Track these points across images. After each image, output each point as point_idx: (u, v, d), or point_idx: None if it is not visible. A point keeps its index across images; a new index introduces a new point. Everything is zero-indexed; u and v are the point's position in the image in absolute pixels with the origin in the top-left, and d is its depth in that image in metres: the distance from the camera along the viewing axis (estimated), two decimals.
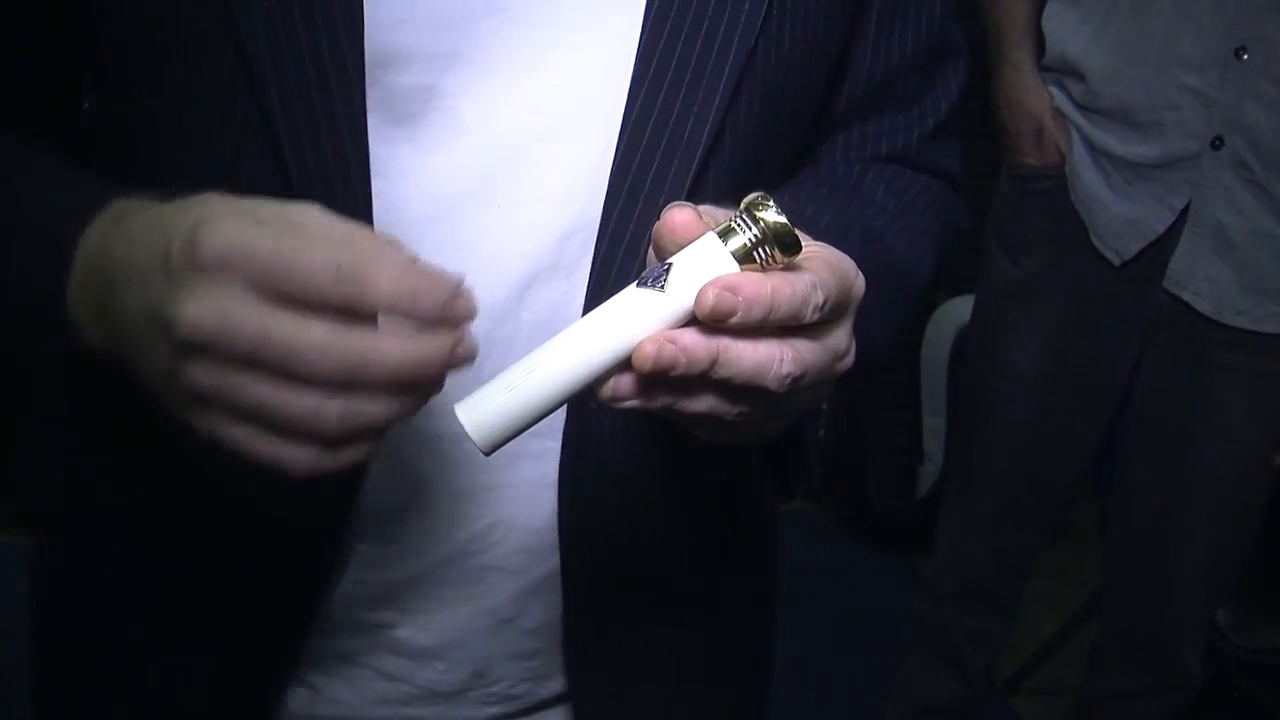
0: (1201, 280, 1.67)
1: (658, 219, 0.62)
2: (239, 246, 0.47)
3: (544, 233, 0.64)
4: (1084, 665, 2.01)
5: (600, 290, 0.64)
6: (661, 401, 0.51)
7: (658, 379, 0.50)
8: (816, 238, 0.64)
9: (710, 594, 0.81)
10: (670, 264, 0.51)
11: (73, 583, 0.77)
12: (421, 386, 0.50)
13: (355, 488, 0.66)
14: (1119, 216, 1.69)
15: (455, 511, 0.68)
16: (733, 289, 0.49)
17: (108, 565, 0.75)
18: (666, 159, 0.64)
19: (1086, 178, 1.70)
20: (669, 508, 0.74)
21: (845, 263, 0.54)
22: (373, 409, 0.48)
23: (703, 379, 0.50)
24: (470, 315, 0.50)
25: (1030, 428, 1.85)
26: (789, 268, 0.51)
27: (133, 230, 0.51)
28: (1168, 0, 1.58)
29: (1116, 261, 1.71)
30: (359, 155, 0.61)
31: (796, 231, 0.51)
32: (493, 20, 0.61)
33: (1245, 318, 1.67)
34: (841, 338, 0.54)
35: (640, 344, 0.49)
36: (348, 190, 0.61)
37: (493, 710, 0.76)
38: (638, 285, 0.51)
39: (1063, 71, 1.71)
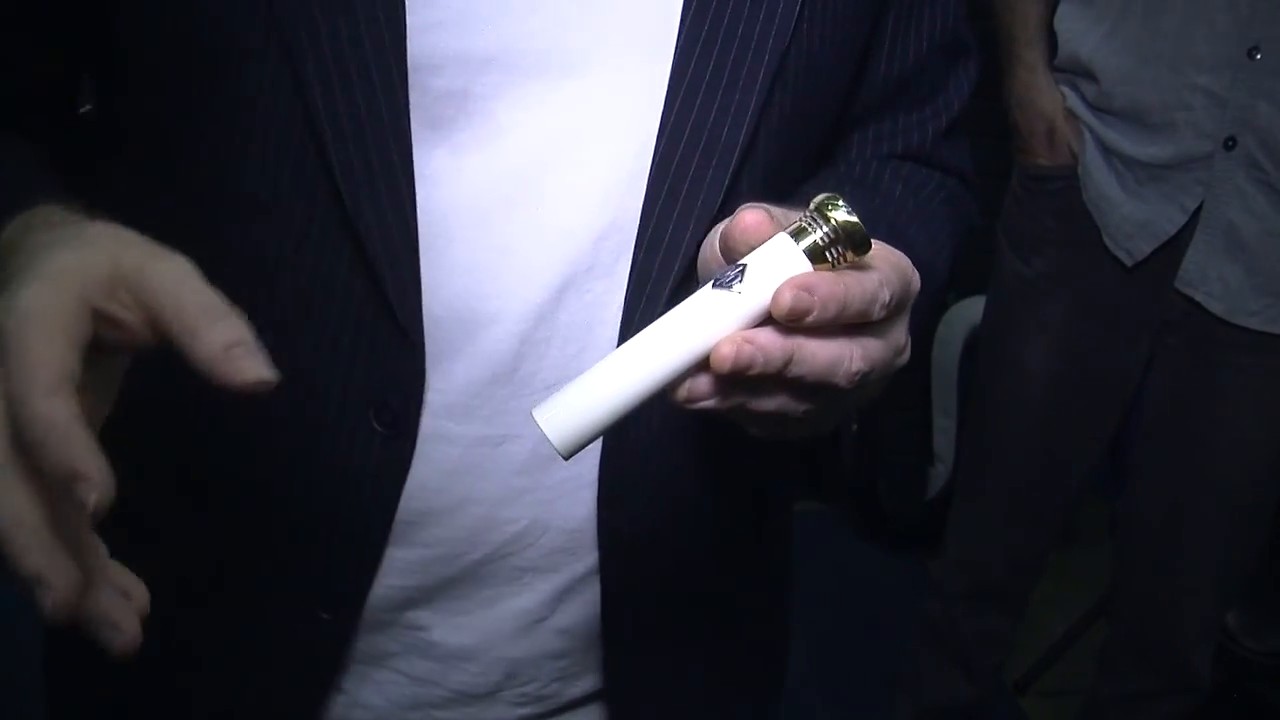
0: (1213, 281, 1.67)
1: (696, 220, 0.63)
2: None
3: (581, 235, 0.65)
4: (1093, 667, 2.01)
5: (640, 292, 0.64)
6: (735, 401, 0.52)
7: (734, 379, 0.50)
8: None
9: (739, 594, 0.81)
10: (744, 264, 0.51)
11: None
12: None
13: (395, 495, 0.67)
14: (1130, 217, 1.69)
15: (491, 515, 0.68)
16: (809, 289, 0.49)
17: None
18: (705, 160, 0.64)
19: (1098, 178, 1.70)
20: (704, 507, 0.75)
21: (904, 260, 0.55)
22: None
23: (776, 378, 0.50)
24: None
25: (1041, 428, 1.84)
26: (857, 266, 0.52)
27: (20, 257, 0.49)
28: (1180, 0, 1.58)
29: (1128, 262, 1.70)
30: (403, 158, 0.61)
31: (865, 230, 0.51)
32: (527, 23, 0.61)
33: (1257, 319, 1.66)
34: (901, 333, 0.55)
35: (718, 345, 0.50)
36: (393, 193, 0.61)
37: (523, 711, 0.76)
38: (713, 286, 0.51)
39: (1075, 72, 1.71)
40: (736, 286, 0.51)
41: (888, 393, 0.70)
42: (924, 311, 0.75)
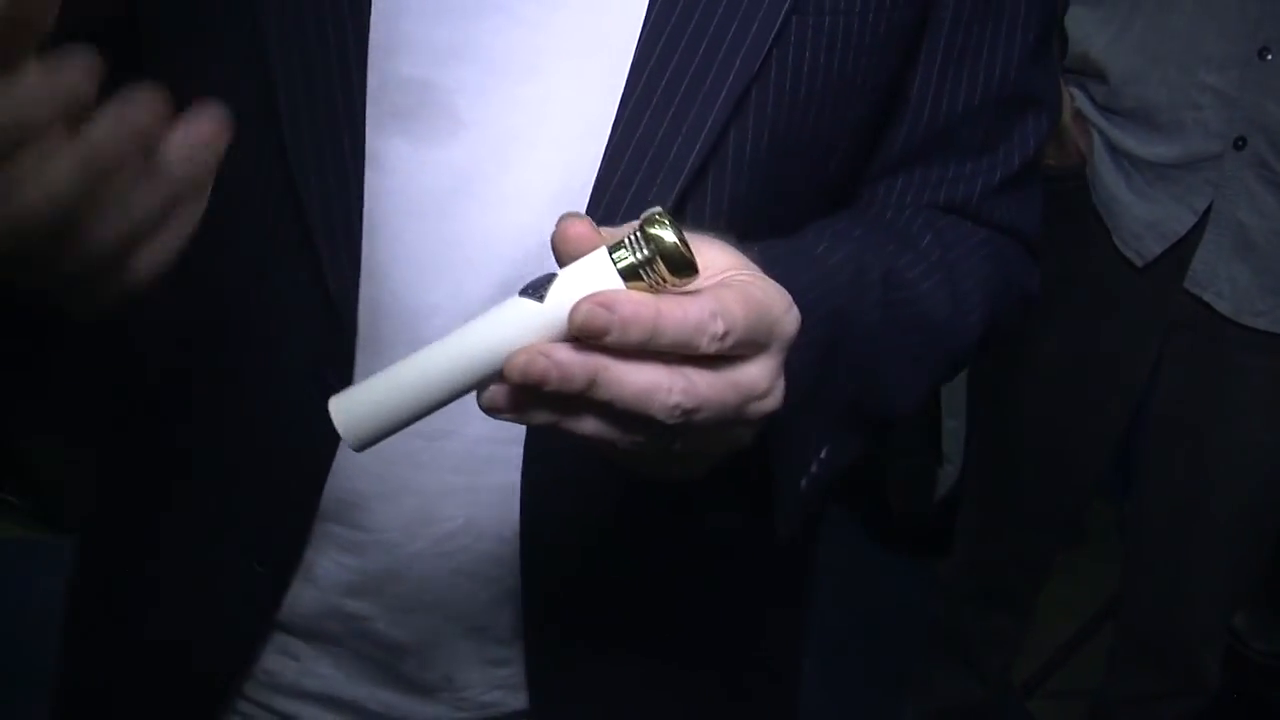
0: (1222, 281, 1.67)
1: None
2: None
3: (530, 236, 0.63)
4: (1101, 668, 2.00)
5: None
6: (540, 418, 0.48)
7: (532, 393, 0.47)
8: (822, 274, 0.62)
9: (703, 618, 0.77)
10: (555, 274, 0.48)
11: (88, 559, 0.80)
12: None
13: (327, 461, 0.67)
14: (1140, 218, 1.68)
15: (427, 508, 0.68)
16: (608, 305, 0.46)
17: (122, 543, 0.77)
18: (649, 177, 0.62)
19: (1107, 179, 1.70)
20: (638, 522, 0.72)
21: (772, 298, 0.51)
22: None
23: (583, 400, 0.47)
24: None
25: (1049, 429, 1.84)
26: (691, 291, 0.48)
27: None
28: (1189, 0, 1.58)
29: (1138, 263, 1.70)
30: (354, 143, 0.61)
31: (688, 254, 0.47)
32: (494, 18, 0.61)
33: (1265, 319, 1.66)
34: (755, 375, 0.50)
35: (513, 354, 0.47)
36: (340, 176, 0.62)
37: (464, 715, 0.75)
38: (520, 294, 0.49)
39: (1084, 73, 1.71)
40: (541, 295, 0.48)
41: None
42: (941, 367, 0.71)
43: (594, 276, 0.48)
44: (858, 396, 0.65)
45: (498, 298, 0.63)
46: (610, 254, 0.48)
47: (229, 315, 0.67)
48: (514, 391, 0.48)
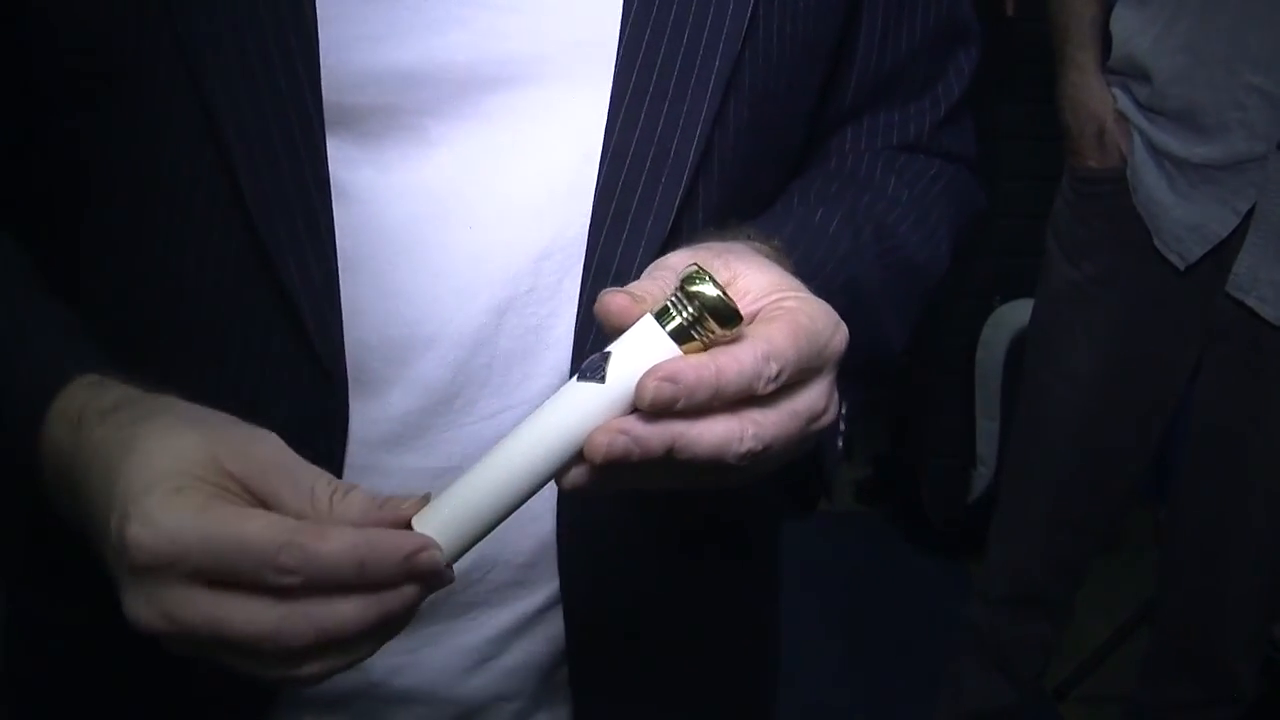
0: (1266, 286, 1.65)
1: (647, 243, 0.61)
2: (166, 552, 0.46)
3: (520, 254, 0.62)
4: (1134, 673, 1.99)
5: (591, 320, 0.59)
6: (625, 483, 0.51)
7: (615, 468, 0.49)
8: (829, 247, 0.64)
9: (720, 616, 0.77)
10: (609, 352, 0.50)
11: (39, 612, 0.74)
12: (387, 629, 0.49)
13: None
14: (1181, 220, 1.67)
15: None
16: (672, 378, 0.47)
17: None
18: (654, 178, 0.61)
19: (1148, 180, 1.69)
20: (673, 530, 0.71)
21: (818, 321, 0.52)
22: (331, 662, 0.49)
23: (662, 461, 0.49)
24: (434, 571, 0.48)
25: (1086, 433, 1.83)
26: (736, 339, 0.49)
27: (88, 457, 0.51)
28: (1236, 0, 1.56)
29: (1180, 265, 1.69)
30: (318, 182, 0.59)
31: (732, 304, 0.49)
32: (455, 34, 0.59)
33: None
34: (813, 398, 0.52)
35: (592, 435, 0.48)
36: (309, 219, 0.59)
37: None
38: (579, 379, 0.50)
39: (1128, 73, 1.70)
40: (601, 376, 0.49)
41: (932, 394, 0.69)
42: (925, 304, 0.74)
43: (647, 347, 0.49)
44: (868, 353, 0.67)
45: (496, 323, 0.62)
46: (658, 320, 0.49)
47: (205, 390, 0.58)
48: (597, 470, 0.49)
